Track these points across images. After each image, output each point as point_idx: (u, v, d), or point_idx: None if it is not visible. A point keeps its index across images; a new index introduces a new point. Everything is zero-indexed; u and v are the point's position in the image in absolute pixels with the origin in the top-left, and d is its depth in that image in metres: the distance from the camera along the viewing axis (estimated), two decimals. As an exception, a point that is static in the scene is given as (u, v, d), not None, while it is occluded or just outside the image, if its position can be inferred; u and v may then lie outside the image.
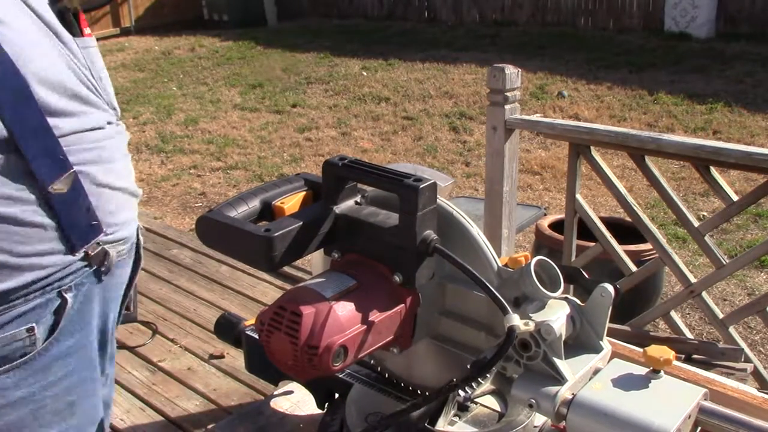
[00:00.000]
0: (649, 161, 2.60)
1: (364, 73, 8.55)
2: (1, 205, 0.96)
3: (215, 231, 0.82)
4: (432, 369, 0.93)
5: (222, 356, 2.92)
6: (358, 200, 0.86)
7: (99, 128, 1.08)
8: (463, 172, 5.64)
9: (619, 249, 2.73)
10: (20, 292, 0.99)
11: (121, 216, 1.13)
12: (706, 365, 2.31)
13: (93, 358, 1.15)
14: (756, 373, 2.53)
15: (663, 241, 2.64)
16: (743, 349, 2.51)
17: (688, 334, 2.74)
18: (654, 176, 2.59)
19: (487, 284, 0.77)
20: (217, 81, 8.76)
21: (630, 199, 2.68)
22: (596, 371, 0.80)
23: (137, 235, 1.23)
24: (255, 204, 0.85)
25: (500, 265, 0.84)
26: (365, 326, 0.77)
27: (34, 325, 1.01)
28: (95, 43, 1.14)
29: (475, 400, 0.96)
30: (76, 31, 1.08)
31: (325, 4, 12.55)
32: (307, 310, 0.75)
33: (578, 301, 0.82)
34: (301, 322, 0.74)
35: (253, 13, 12.11)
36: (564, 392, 0.76)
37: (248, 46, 10.44)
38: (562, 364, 0.77)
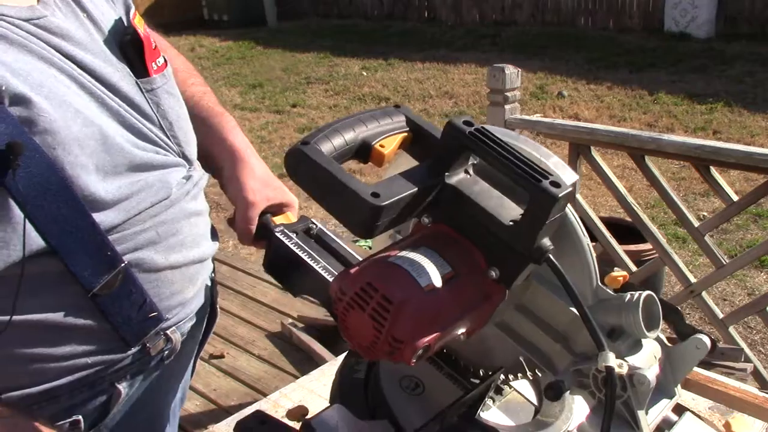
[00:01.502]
0: (649, 161, 2.60)
1: (364, 73, 8.55)
2: (39, 311, 0.88)
3: (310, 172, 0.70)
4: (482, 349, 0.86)
5: (222, 356, 2.92)
6: (469, 169, 0.75)
7: (160, 201, 0.96)
8: (463, 172, 5.64)
9: (619, 249, 2.73)
10: (63, 390, 0.93)
11: (189, 291, 1.03)
12: (706, 365, 2.31)
13: None
14: (756, 373, 2.53)
15: (663, 241, 2.64)
16: (743, 349, 2.51)
17: (688, 334, 2.74)
18: (654, 176, 2.59)
19: (587, 311, 0.69)
20: (217, 81, 8.76)
21: (630, 199, 2.68)
22: (665, 420, 0.77)
23: (211, 291, 1.15)
24: (353, 139, 0.74)
25: (599, 283, 0.78)
26: (452, 325, 0.71)
27: (79, 417, 0.95)
28: (165, 79, 1.02)
29: (511, 384, 0.91)
30: (139, 70, 0.97)
31: (325, 4, 12.56)
32: (402, 299, 0.66)
33: (668, 343, 0.77)
34: (393, 311, 0.66)
35: (253, 13, 12.12)
36: None
37: (248, 46, 10.44)
38: (642, 416, 0.73)
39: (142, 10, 12.20)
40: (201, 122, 1.17)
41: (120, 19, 1.00)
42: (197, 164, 1.10)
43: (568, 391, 0.72)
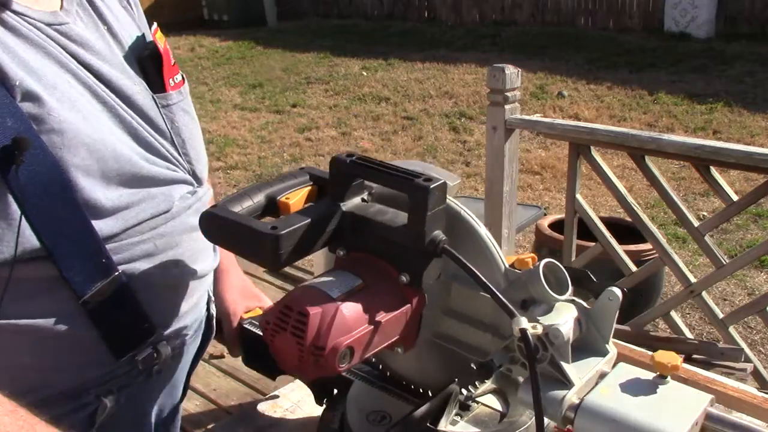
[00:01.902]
0: (649, 161, 2.60)
1: (364, 73, 8.55)
2: (26, 316, 0.86)
3: (220, 227, 0.80)
4: (434, 368, 0.92)
5: (222, 356, 2.92)
6: (365, 197, 0.84)
7: (161, 213, 0.95)
8: (463, 172, 5.64)
9: (619, 249, 2.73)
10: (47, 401, 0.90)
11: (183, 306, 1.02)
12: (706, 365, 2.31)
13: None
14: (756, 373, 2.53)
15: (663, 241, 2.64)
16: (743, 349, 2.50)
17: (688, 334, 2.74)
18: (654, 176, 2.59)
19: (494, 289, 0.76)
20: (217, 81, 8.76)
21: (630, 199, 2.68)
22: (602, 375, 0.79)
23: (207, 309, 1.14)
24: (259, 199, 0.83)
25: (507, 266, 0.83)
26: (372, 327, 0.77)
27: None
28: (181, 96, 1.02)
29: (477, 399, 0.96)
30: (156, 85, 0.97)
31: (325, 4, 12.55)
32: (314, 311, 0.74)
33: (585, 304, 0.81)
34: (308, 323, 0.73)
35: (253, 13, 12.12)
36: (571, 396, 0.75)
37: (248, 46, 10.44)
38: (569, 368, 0.77)
39: (142, 10, 12.20)
40: None
41: (142, 35, 1.01)
42: (206, 184, 1.11)
43: (501, 368, 0.77)
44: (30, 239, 0.83)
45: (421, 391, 0.96)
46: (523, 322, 0.73)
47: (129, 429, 1.04)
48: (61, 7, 0.91)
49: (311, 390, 1.09)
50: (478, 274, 0.76)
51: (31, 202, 0.81)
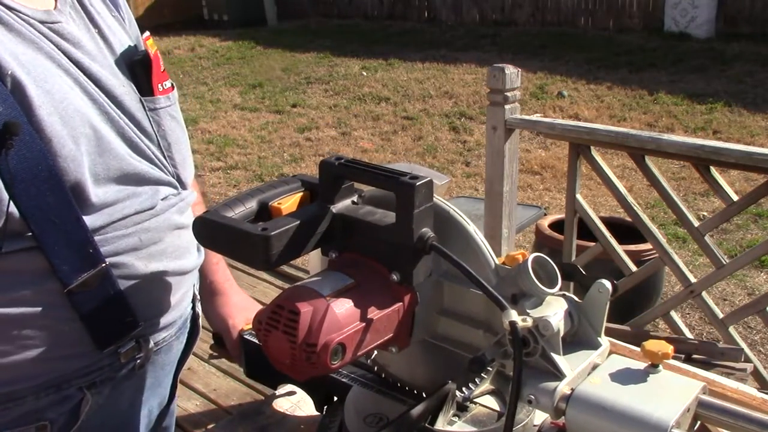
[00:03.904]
0: (649, 161, 2.60)
1: (364, 73, 8.55)
2: (11, 306, 0.87)
3: (212, 231, 0.82)
4: (430, 369, 0.93)
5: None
6: (355, 200, 0.86)
7: (145, 210, 0.98)
8: (463, 172, 5.64)
9: (619, 249, 2.73)
10: (25, 393, 0.92)
11: (166, 302, 1.04)
12: (706, 365, 2.31)
13: None
14: (756, 373, 2.53)
15: (663, 241, 2.64)
16: (743, 349, 2.51)
17: (688, 334, 2.74)
18: (654, 176, 2.59)
19: (483, 282, 0.77)
20: (217, 81, 8.77)
21: (630, 199, 2.68)
22: (595, 367, 0.80)
23: (193, 308, 1.16)
24: (252, 205, 0.85)
25: (498, 263, 0.84)
26: (363, 324, 0.77)
27: (47, 423, 0.93)
28: (169, 102, 1.04)
29: (474, 400, 0.96)
30: (144, 89, 1.00)
31: (325, 4, 12.55)
32: (305, 308, 0.75)
33: (576, 298, 0.82)
34: (299, 320, 0.74)
35: (253, 13, 12.12)
36: (562, 387, 0.76)
37: (248, 46, 10.44)
38: (561, 360, 0.77)
39: (142, 10, 12.22)
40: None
41: (134, 45, 1.04)
42: (190, 188, 1.12)
43: (493, 362, 0.78)
44: (18, 225, 0.84)
45: (415, 392, 0.96)
46: (513, 315, 0.74)
47: (115, 427, 1.04)
48: (55, 6, 0.94)
49: (311, 396, 1.09)
50: (467, 267, 0.77)
51: (19, 187, 0.82)
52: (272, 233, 0.77)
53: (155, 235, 0.99)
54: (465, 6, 10.97)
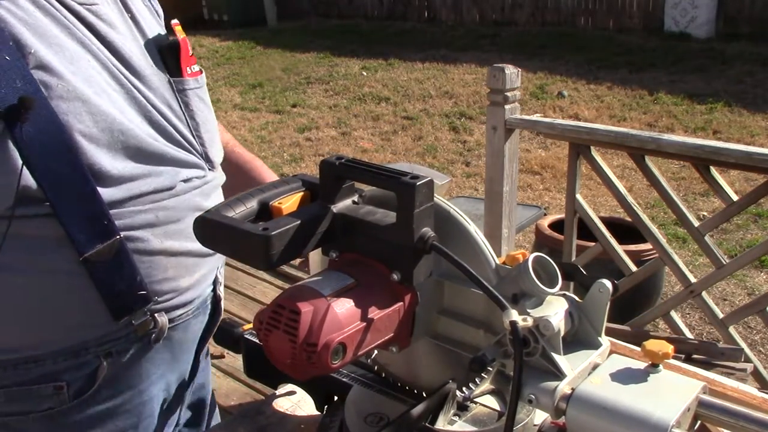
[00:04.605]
0: (649, 161, 2.60)
1: (364, 73, 8.55)
2: (30, 272, 0.93)
3: (213, 231, 0.82)
4: (431, 369, 0.93)
5: (222, 356, 2.92)
6: (356, 199, 0.86)
7: (164, 189, 1.01)
8: (463, 172, 5.64)
9: (619, 249, 2.73)
10: (44, 357, 0.97)
11: (183, 281, 1.06)
12: (706, 365, 2.31)
13: (148, 422, 1.10)
14: (756, 373, 2.53)
15: (663, 241, 2.64)
16: (743, 349, 2.51)
17: (688, 334, 2.74)
18: (654, 176, 2.59)
19: (483, 281, 0.77)
20: (217, 81, 8.76)
21: (630, 199, 2.68)
22: (595, 367, 0.80)
23: (214, 291, 1.18)
24: (252, 205, 0.85)
25: (498, 262, 0.84)
26: (364, 324, 0.77)
27: (63, 384, 0.98)
28: (198, 84, 1.09)
29: (475, 399, 0.96)
30: (173, 71, 1.05)
31: (325, 4, 12.56)
32: (306, 308, 0.75)
33: (576, 298, 0.82)
34: (300, 320, 0.74)
35: (253, 13, 12.12)
36: (563, 387, 0.76)
37: (248, 46, 10.44)
38: (561, 360, 0.77)
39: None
40: (236, 167, 1.30)
41: (165, 34, 1.09)
42: (219, 169, 1.16)
43: (494, 361, 0.77)
44: (35, 192, 0.89)
45: (415, 392, 0.96)
46: (513, 314, 0.74)
47: (130, 396, 1.07)
48: None
49: (311, 396, 1.09)
50: (467, 267, 0.77)
51: (34, 158, 0.87)
52: (273, 233, 0.77)
53: (173, 214, 1.03)
54: (465, 6, 10.97)
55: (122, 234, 0.96)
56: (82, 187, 0.91)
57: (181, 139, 1.05)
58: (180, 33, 1.08)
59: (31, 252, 0.92)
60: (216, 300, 1.20)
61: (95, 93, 0.92)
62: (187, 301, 1.09)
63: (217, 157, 1.14)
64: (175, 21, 1.11)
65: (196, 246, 1.03)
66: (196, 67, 1.10)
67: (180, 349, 1.14)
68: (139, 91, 0.99)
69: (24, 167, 0.87)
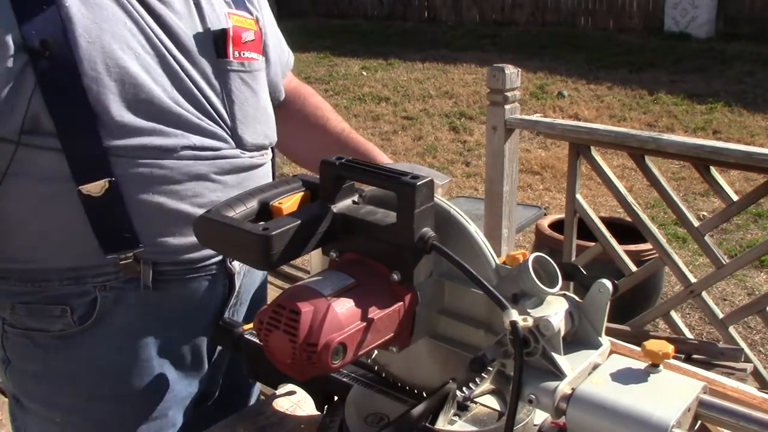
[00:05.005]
0: (649, 161, 2.60)
1: (364, 73, 8.55)
2: (37, 199, 1.05)
3: (213, 231, 0.82)
4: (431, 369, 0.93)
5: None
6: (356, 199, 0.86)
7: (166, 149, 1.07)
8: (463, 172, 5.64)
9: (619, 249, 2.73)
10: (50, 276, 1.09)
11: (173, 239, 1.11)
12: (706, 365, 2.31)
13: (146, 370, 1.16)
14: (756, 373, 2.53)
15: (663, 241, 2.64)
16: (743, 349, 2.51)
17: (688, 334, 2.74)
18: (654, 176, 2.59)
19: (484, 281, 0.77)
20: (217, 81, 8.76)
21: (630, 199, 2.68)
22: (595, 367, 0.79)
23: (224, 263, 1.20)
24: (252, 204, 0.85)
25: (498, 262, 0.84)
26: (364, 324, 0.77)
27: (67, 308, 1.10)
28: (245, 69, 1.17)
29: (475, 399, 0.96)
30: (221, 51, 1.13)
31: (325, 4, 12.56)
32: (306, 308, 0.75)
33: (576, 298, 0.82)
34: (300, 320, 0.74)
35: (253, 13, 12.11)
36: (563, 387, 0.76)
37: (248, 46, 10.43)
38: (561, 360, 0.77)
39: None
40: (352, 152, 1.39)
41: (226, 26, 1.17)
42: (258, 155, 1.21)
43: (494, 361, 0.77)
44: (45, 125, 1.00)
45: (416, 392, 0.96)
46: (514, 314, 0.74)
47: (129, 341, 1.14)
48: None
49: (311, 396, 1.09)
50: (467, 266, 0.77)
51: (47, 94, 0.98)
52: (273, 233, 0.77)
53: (170, 174, 1.08)
54: (465, 6, 10.97)
55: (116, 177, 1.04)
56: (87, 126, 1.01)
57: (210, 110, 1.12)
58: (238, 22, 1.17)
59: (40, 179, 1.03)
60: (229, 274, 1.21)
61: (119, 48, 1.01)
62: (179, 260, 1.13)
63: (251, 139, 1.18)
64: (229, 10, 1.19)
65: (196, 211, 1.10)
66: (252, 55, 1.18)
67: (178, 306, 1.17)
68: (176, 60, 1.07)
69: (33, 95, 0.98)
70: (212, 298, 1.21)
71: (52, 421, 1.16)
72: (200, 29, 1.11)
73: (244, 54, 1.17)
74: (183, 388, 1.21)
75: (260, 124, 1.21)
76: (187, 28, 1.10)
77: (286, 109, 1.43)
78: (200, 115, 1.10)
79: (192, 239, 1.11)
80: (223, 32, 1.14)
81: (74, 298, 1.10)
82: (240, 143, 1.16)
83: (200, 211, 1.08)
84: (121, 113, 1.02)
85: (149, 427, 1.18)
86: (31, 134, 1.01)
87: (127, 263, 1.08)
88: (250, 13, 1.24)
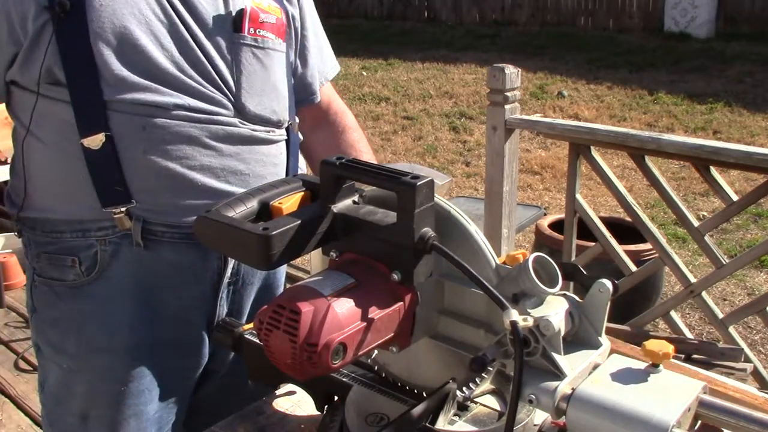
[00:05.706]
0: (649, 161, 2.60)
1: (364, 73, 8.55)
2: (51, 149, 1.15)
3: (213, 231, 0.82)
4: (431, 369, 0.93)
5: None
6: (356, 199, 0.86)
7: (160, 107, 1.14)
8: (463, 172, 5.64)
9: (619, 249, 2.73)
10: (62, 227, 1.19)
11: (164, 198, 1.17)
12: (706, 365, 2.31)
13: (133, 324, 1.21)
14: (756, 373, 2.53)
15: (663, 241, 2.64)
16: (743, 349, 2.50)
17: (688, 334, 2.74)
18: (654, 176, 2.59)
19: (484, 281, 0.77)
20: (217, 81, 8.76)
21: (630, 199, 2.68)
22: (595, 367, 0.80)
23: None
24: (253, 204, 0.86)
25: (498, 262, 0.84)
26: (364, 324, 0.77)
27: (76, 259, 1.19)
28: (258, 44, 1.24)
29: (475, 399, 0.96)
30: (237, 27, 1.21)
31: (325, 4, 12.56)
32: (306, 308, 0.75)
33: (577, 298, 0.82)
34: (300, 320, 0.74)
35: (253, 13, 12.11)
36: (563, 387, 0.76)
37: (248, 46, 10.43)
38: (561, 360, 0.77)
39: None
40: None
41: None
42: (261, 128, 1.25)
43: (494, 361, 0.77)
44: (58, 78, 1.11)
45: (416, 392, 0.96)
46: (514, 314, 0.74)
47: (117, 285, 1.20)
48: None
49: (311, 396, 1.09)
50: (468, 267, 0.77)
51: (63, 50, 1.09)
52: (273, 233, 0.77)
53: (161, 133, 1.15)
54: (465, 6, 10.97)
55: (112, 132, 1.12)
56: (89, 79, 1.10)
57: (216, 78, 1.18)
58: (259, 5, 1.24)
59: (54, 131, 1.14)
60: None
61: (130, 13, 1.12)
62: (172, 221, 1.18)
63: (254, 109, 1.23)
64: None
65: (186, 172, 1.16)
66: (269, 34, 1.25)
67: (173, 270, 1.22)
68: (190, 31, 1.15)
69: (49, 48, 1.09)
70: (206, 270, 1.25)
71: (60, 366, 1.25)
72: (222, 11, 1.20)
73: (260, 32, 1.24)
74: (173, 352, 1.25)
75: (267, 98, 1.25)
76: (210, 7, 1.19)
77: (323, 128, 1.50)
78: (202, 81, 1.17)
79: (182, 202, 1.18)
80: (241, 11, 1.21)
81: (82, 251, 1.19)
82: (242, 112, 1.21)
83: (191, 173, 1.18)
84: (120, 69, 1.11)
85: (140, 385, 1.23)
86: (48, 85, 1.11)
87: (119, 217, 1.15)
88: (281, 5, 1.31)
